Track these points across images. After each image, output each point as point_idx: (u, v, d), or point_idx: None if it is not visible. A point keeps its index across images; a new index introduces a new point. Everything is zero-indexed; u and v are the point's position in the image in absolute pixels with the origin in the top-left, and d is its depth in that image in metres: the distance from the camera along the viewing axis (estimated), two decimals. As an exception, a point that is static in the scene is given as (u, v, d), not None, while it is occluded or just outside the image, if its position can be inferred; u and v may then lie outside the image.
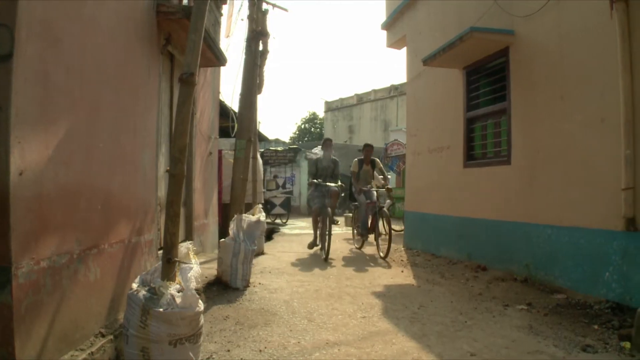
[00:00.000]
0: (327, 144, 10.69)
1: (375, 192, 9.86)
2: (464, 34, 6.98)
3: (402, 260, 8.75)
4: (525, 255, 6.52)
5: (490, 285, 6.35)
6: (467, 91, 8.24)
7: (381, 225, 9.85)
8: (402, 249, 10.20)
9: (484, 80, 7.96)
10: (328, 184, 9.54)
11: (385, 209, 9.92)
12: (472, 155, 8.21)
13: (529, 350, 3.95)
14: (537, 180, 6.40)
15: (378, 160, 11.02)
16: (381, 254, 9.03)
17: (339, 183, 9.84)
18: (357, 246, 10.51)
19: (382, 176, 10.60)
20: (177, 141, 3.28)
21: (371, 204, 9.63)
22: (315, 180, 9.55)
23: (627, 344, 3.94)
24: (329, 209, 9.18)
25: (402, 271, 7.65)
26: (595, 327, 4.55)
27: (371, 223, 9.79)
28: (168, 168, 3.29)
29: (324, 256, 8.64)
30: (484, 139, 7.98)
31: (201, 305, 3.02)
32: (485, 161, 7.78)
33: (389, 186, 11.06)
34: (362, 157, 10.57)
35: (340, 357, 3.74)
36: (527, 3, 6.54)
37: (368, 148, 10.61)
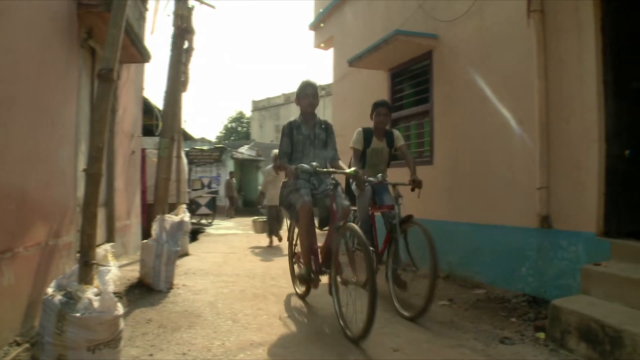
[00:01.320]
0: (307, 90, 5.43)
1: (391, 189, 5.97)
2: (390, 36, 7.11)
3: (327, 260, 8.80)
4: (446, 253, 6.69)
5: (413, 282, 6.46)
6: (392, 93, 8.39)
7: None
8: (328, 248, 10.27)
9: (408, 82, 8.13)
10: (325, 170, 4.92)
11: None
12: (395, 156, 8.35)
13: (450, 344, 4.06)
14: (459, 180, 6.59)
15: (399, 134, 6.47)
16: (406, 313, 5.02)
17: (353, 169, 5.01)
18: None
19: (411, 164, 6.04)
20: (94, 139, 3.17)
21: (386, 210, 5.76)
22: (292, 167, 4.86)
23: (542, 335, 4.15)
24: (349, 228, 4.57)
25: (328, 270, 7.68)
26: (513, 320, 4.75)
27: (382, 248, 5.80)
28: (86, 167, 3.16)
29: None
30: (407, 139, 8.13)
31: (120, 309, 2.93)
32: (408, 161, 7.93)
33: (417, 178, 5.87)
34: (372, 125, 6.27)
35: (265, 357, 3.71)
36: (451, 9, 6.74)
37: (381, 109, 6.10)
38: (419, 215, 7.36)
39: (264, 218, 11.95)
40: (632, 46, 4.90)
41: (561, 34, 5.13)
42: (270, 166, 11.26)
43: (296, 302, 5.54)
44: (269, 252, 10.17)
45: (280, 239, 11.17)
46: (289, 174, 4.94)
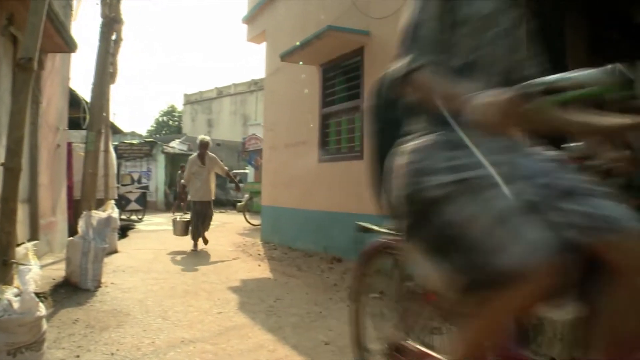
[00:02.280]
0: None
1: None
2: (322, 32, 7.14)
3: (259, 254, 8.78)
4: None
5: (345, 275, 6.55)
6: (323, 88, 8.44)
7: None
8: (260, 243, 10.23)
9: (340, 78, 8.19)
10: None
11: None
12: (327, 150, 8.43)
13: (381, 335, 4.12)
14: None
15: None
16: None
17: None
18: None
19: None
20: (13, 132, 3.04)
21: None
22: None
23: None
24: None
25: (259, 265, 7.68)
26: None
27: None
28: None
29: None
30: (338, 134, 8.22)
31: (42, 310, 2.82)
32: (339, 156, 8.02)
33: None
34: None
35: (195, 354, 3.67)
36: (383, 6, 6.82)
37: None
38: (348, 210, 7.53)
39: (186, 217, 9.95)
40: (551, 50, 5.12)
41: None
42: (195, 154, 9.69)
43: (227, 297, 5.50)
44: (194, 256, 8.86)
45: (206, 242, 9.51)
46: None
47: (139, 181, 20.21)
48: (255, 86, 43.79)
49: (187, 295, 5.56)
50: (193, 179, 9.40)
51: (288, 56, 8.24)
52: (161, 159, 24.58)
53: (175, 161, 26.37)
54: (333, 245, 7.90)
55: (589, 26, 7.08)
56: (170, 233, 9.74)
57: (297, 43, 7.87)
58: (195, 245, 9.34)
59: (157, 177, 24.31)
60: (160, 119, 62.87)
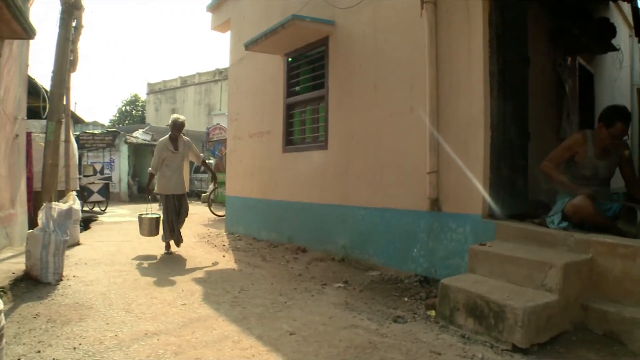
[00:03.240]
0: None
1: None
2: (286, 21, 7.11)
3: (224, 245, 8.74)
4: (342, 236, 6.87)
5: (309, 266, 6.59)
6: (288, 78, 8.42)
7: None
8: (224, 233, 10.18)
9: (304, 68, 8.17)
10: None
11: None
12: (291, 140, 8.42)
13: (345, 325, 4.17)
14: (352, 165, 6.74)
15: None
16: None
17: None
18: None
19: None
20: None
21: None
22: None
23: (433, 312, 4.37)
24: None
25: (224, 256, 7.65)
26: (405, 299, 4.97)
27: None
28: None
29: None
30: (302, 124, 8.21)
31: (1, 305, 2.77)
32: (303, 146, 8.02)
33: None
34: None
35: (159, 346, 3.65)
36: (348, -5, 6.82)
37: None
38: (312, 200, 7.55)
39: (156, 214, 8.17)
40: (514, 41, 5.31)
41: (452, 26, 5.37)
42: (166, 137, 8.01)
43: (192, 288, 5.47)
44: (161, 250, 8.02)
45: (179, 242, 8.07)
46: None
47: (102, 172, 19.81)
48: (220, 75, 43.38)
49: (151, 287, 5.52)
50: (163, 167, 7.84)
51: (252, 45, 8.18)
52: (124, 150, 24.14)
53: (138, 151, 26.00)
54: (298, 236, 7.92)
55: (551, 18, 7.22)
56: (134, 224, 9.44)
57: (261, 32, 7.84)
58: (168, 247, 7.92)
59: (120, 167, 23.86)
60: (124, 109, 61.78)
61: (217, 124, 22.06)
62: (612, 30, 8.45)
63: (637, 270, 3.74)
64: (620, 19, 10.47)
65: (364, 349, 3.62)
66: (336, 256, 6.86)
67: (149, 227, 8.00)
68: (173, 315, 4.45)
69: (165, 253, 7.79)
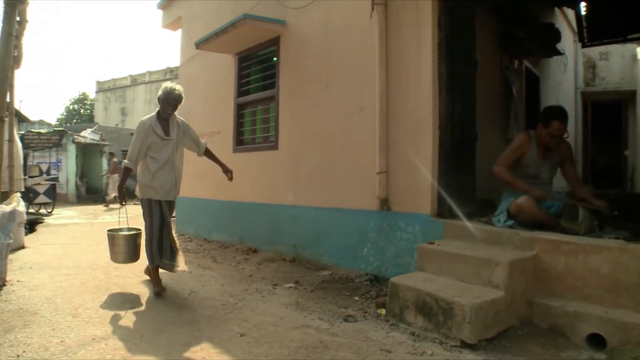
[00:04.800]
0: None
1: None
2: (237, 20, 7.06)
3: (174, 247, 8.61)
4: (292, 236, 6.86)
5: (260, 266, 6.55)
6: (239, 77, 8.36)
7: None
8: (175, 235, 10.03)
9: (255, 67, 8.14)
10: None
11: None
12: (241, 140, 8.37)
13: (296, 325, 4.16)
14: (303, 165, 6.75)
15: None
16: None
17: None
18: None
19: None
20: None
21: None
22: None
23: (383, 311, 4.40)
24: None
25: (175, 257, 7.53)
26: (356, 298, 4.99)
27: None
28: None
29: None
30: (253, 124, 8.18)
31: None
32: (254, 146, 7.98)
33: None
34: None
35: (107, 351, 3.56)
36: (300, -4, 6.82)
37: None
38: (263, 200, 7.52)
39: (134, 229, 5.71)
40: (463, 43, 5.42)
41: (402, 28, 5.44)
42: (151, 115, 5.43)
43: (141, 291, 5.37)
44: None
45: (174, 267, 5.42)
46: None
47: (48, 172, 19.26)
48: (171, 74, 42.80)
49: (99, 290, 5.38)
50: (147, 160, 5.33)
51: (203, 44, 8.09)
52: (72, 149, 23.50)
53: (87, 151, 25.38)
54: (249, 236, 7.87)
55: (499, 23, 7.38)
56: (81, 227, 9.09)
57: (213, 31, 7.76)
58: (157, 280, 5.30)
59: (68, 168, 23.22)
60: (71, 107, 60.33)
61: (167, 124, 21.73)
62: (557, 35, 8.73)
63: (579, 266, 3.87)
64: (565, 24, 10.82)
65: (315, 349, 3.62)
66: (287, 256, 6.84)
67: (125, 248, 5.46)
68: (122, 319, 4.35)
69: (155, 292, 5.17)
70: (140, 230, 5.60)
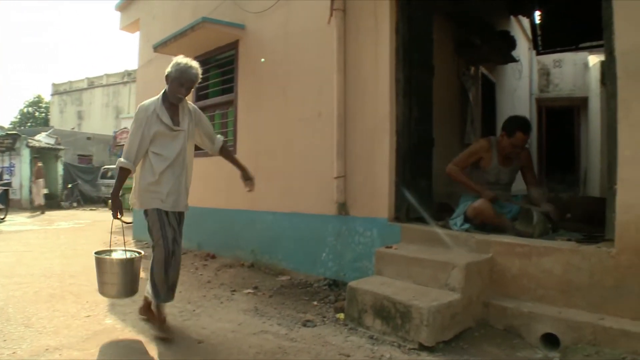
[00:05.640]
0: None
1: None
2: (196, 23, 7.01)
3: (131, 253, 8.46)
4: (251, 242, 6.82)
5: (219, 272, 6.50)
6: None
7: None
8: (132, 241, 9.87)
9: (214, 71, 8.09)
10: None
11: None
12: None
13: (255, 331, 4.13)
14: (261, 170, 6.71)
15: None
16: None
17: None
18: None
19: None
20: None
21: None
22: None
23: (341, 315, 4.41)
24: None
25: (131, 264, 7.40)
26: (315, 303, 4.99)
27: None
28: None
29: None
30: (212, 129, 8.13)
31: None
32: (213, 151, 7.93)
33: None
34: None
35: (61, 361, 3.48)
36: (259, 0, 6.80)
37: None
38: (221, 206, 7.47)
39: (132, 251, 4.41)
40: (420, 50, 5.52)
41: (360, 34, 5.48)
42: (155, 99, 4.32)
43: (97, 299, 5.25)
44: (60, 255, 7.50)
45: (171, 297, 4.15)
46: None
47: (1, 177, 18.78)
48: (128, 77, 42.22)
49: (53, 299, 5.24)
50: (150, 157, 4.09)
51: (161, 47, 7.99)
52: (26, 153, 22.89)
53: (42, 156, 24.78)
54: (207, 242, 7.80)
55: (456, 30, 7.50)
56: (35, 233, 8.74)
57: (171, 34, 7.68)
58: (162, 318, 4.09)
59: (21, 172, 22.60)
60: (26, 110, 58.92)
61: (124, 128, 21.48)
62: (512, 43, 8.92)
63: (533, 268, 3.95)
64: (520, 32, 11.07)
65: (274, 354, 3.60)
66: (246, 262, 6.80)
67: (122, 278, 4.08)
68: (76, 329, 4.24)
69: (161, 338, 3.89)
70: (140, 253, 4.33)
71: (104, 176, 23.82)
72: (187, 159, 4.30)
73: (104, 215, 15.95)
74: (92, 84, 46.75)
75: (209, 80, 8.11)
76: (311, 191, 5.99)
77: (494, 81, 9.78)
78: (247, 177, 4.73)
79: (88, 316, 4.62)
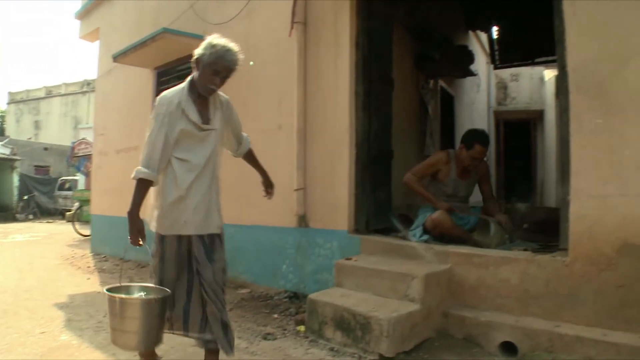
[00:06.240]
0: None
1: None
2: (156, 34, 6.95)
3: (88, 267, 8.30)
4: (212, 255, 6.76)
5: (179, 286, 6.41)
6: (157, 92, 8.19)
7: None
8: (90, 254, 9.68)
9: (175, 83, 7.98)
10: None
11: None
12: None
13: (215, 345, 4.09)
14: (221, 182, 6.67)
15: None
16: None
17: None
18: None
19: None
20: None
21: None
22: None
23: (302, 328, 4.40)
24: None
25: (89, 278, 7.25)
26: (275, 316, 4.96)
27: None
28: None
29: None
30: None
31: None
32: (173, 163, 7.85)
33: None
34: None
35: (13, 379, 3.39)
36: (221, 11, 6.79)
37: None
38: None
39: (152, 287, 3.14)
40: (380, 63, 5.59)
41: (320, 47, 5.53)
42: (180, 89, 3.30)
43: (52, 314, 5.12)
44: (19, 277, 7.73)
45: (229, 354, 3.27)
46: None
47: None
48: (87, 87, 41.50)
49: (6, 315, 5.09)
50: (174, 164, 3.18)
51: (121, 57, 7.90)
52: (-25, 164, 22.32)
53: (-3, 167, 24.09)
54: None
55: (415, 43, 7.62)
56: None
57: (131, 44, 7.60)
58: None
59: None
60: (-21, 119, 57.37)
61: (83, 138, 21.04)
62: (470, 57, 9.10)
63: (490, 277, 4.02)
64: (478, 47, 11.31)
65: (233, 368, 3.57)
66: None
67: (147, 324, 2.85)
68: (31, 345, 4.12)
69: None
70: (167, 291, 3.06)
71: (61, 188, 23.34)
72: (217, 165, 3.42)
73: (62, 227, 15.64)
74: (50, 92, 45.81)
75: (170, 92, 8.04)
76: (272, 204, 5.90)
77: (453, 94, 9.94)
78: (268, 184, 4.06)
79: (43, 332, 4.50)
